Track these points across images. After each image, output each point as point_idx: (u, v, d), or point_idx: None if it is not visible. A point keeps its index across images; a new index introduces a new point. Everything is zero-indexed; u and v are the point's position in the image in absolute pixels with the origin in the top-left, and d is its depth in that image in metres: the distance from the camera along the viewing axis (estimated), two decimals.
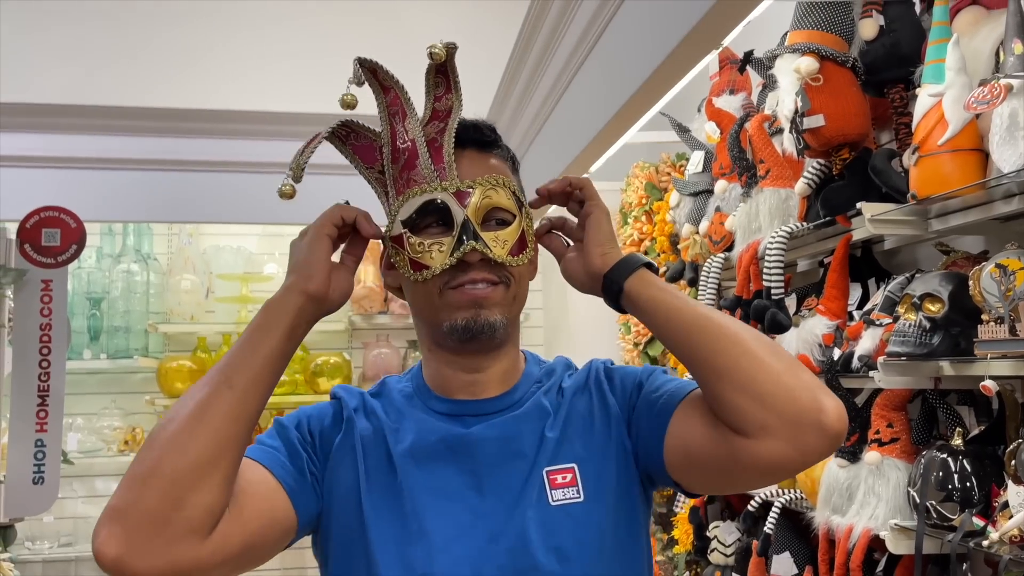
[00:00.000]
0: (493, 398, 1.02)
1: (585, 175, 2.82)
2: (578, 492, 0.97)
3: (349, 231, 0.99)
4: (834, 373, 1.76)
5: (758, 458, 0.88)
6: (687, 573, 2.55)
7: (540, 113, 2.95)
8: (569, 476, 0.97)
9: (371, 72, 0.97)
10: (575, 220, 1.05)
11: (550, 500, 0.96)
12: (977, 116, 1.43)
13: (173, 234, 4.33)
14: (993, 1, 1.47)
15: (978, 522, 1.41)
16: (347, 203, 1.00)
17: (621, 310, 0.99)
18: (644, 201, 3.22)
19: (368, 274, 4.11)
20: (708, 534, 2.44)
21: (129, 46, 3.78)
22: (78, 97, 3.65)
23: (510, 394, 1.02)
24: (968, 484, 1.45)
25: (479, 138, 1.01)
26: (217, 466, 0.87)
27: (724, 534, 2.36)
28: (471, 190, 0.97)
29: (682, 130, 2.65)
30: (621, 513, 0.99)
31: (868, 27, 1.76)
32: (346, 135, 1.01)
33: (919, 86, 1.56)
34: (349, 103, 0.98)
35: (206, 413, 0.87)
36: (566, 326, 3.61)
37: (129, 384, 4.15)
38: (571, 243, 1.05)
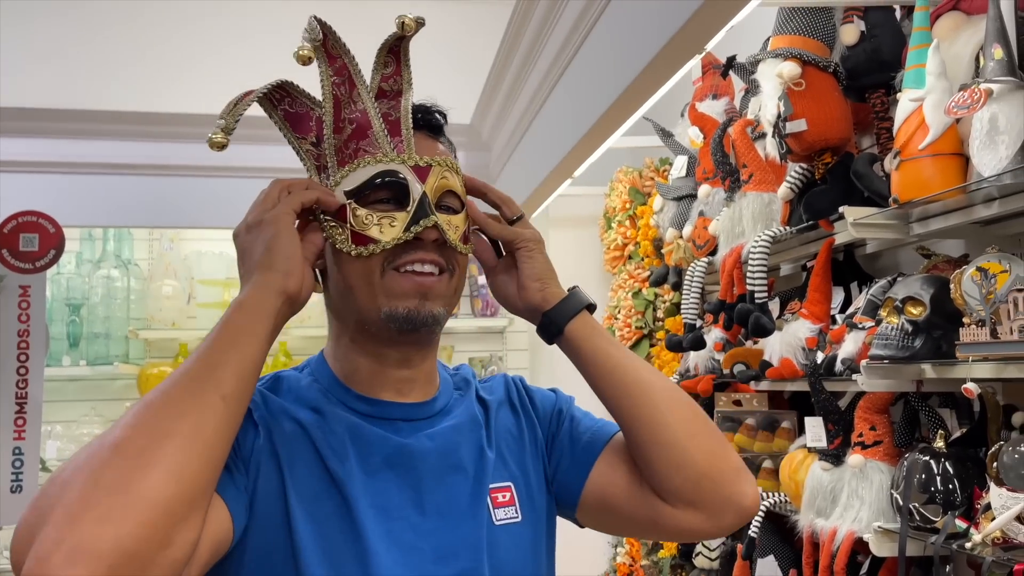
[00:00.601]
0: (421, 403, 0.94)
1: (568, 180, 2.83)
2: (516, 512, 0.94)
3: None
4: (817, 376, 1.77)
5: (677, 526, 0.92)
6: None
7: (524, 118, 2.95)
8: (508, 495, 0.94)
9: (322, 36, 0.90)
10: (504, 222, 0.99)
11: (494, 519, 0.92)
12: (957, 120, 1.44)
13: (154, 239, 4.29)
14: (973, 6, 1.48)
15: (961, 524, 1.42)
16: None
17: (551, 343, 0.97)
18: (628, 206, 3.23)
19: None
20: None
21: (108, 50, 3.75)
22: (57, 101, 3.62)
23: (436, 400, 0.96)
24: (950, 486, 1.46)
25: (431, 121, 0.96)
26: (207, 496, 0.74)
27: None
28: (429, 168, 0.91)
29: (665, 135, 2.66)
30: (547, 535, 0.98)
31: (849, 32, 1.77)
32: (280, 99, 0.93)
33: (900, 91, 1.57)
34: (305, 58, 0.90)
35: (203, 429, 0.73)
36: None
37: (109, 391, 4.11)
38: (500, 254, 1.00)
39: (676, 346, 2.40)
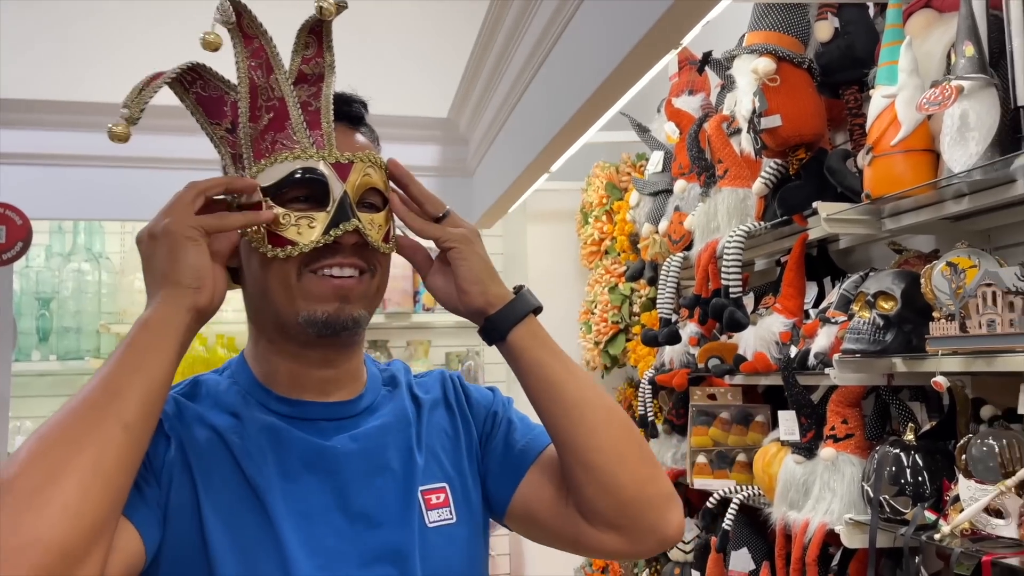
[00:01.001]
0: (346, 402, 0.91)
1: (546, 175, 2.82)
2: (451, 513, 0.91)
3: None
4: (790, 370, 1.78)
5: (598, 547, 0.91)
6: (647, 571, 2.57)
7: (501, 111, 2.95)
8: (442, 496, 0.92)
9: (235, 15, 0.85)
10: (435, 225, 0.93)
11: (427, 522, 0.89)
12: (929, 117, 1.46)
13: (126, 232, 4.23)
14: (945, 4, 1.50)
15: (930, 516, 1.44)
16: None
17: (492, 345, 0.93)
18: (605, 201, 3.23)
19: None
20: None
21: (78, 41, 3.69)
22: (24, 92, 3.55)
23: (362, 397, 0.93)
24: (920, 478, 1.47)
25: (350, 112, 0.91)
26: (109, 529, 0.70)
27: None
28: (350, 164, 0.86)
29: (642, 130, 2.67)
30: (483, 535, 0.97)
31: (823, 29, 1.78)
32: (192, 81, 0.87)
33: (873, 87, 1.58)
34: (213, 44, 0.84)
35: (103, 463, 0.69)
36: None
37: (80, 386, 4.05)
38: (433, 255, 0.95)
39: (652, 340, 2.41)
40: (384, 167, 0.91)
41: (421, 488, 0.90)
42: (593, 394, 0.91)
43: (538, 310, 0.93)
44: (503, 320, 0.90)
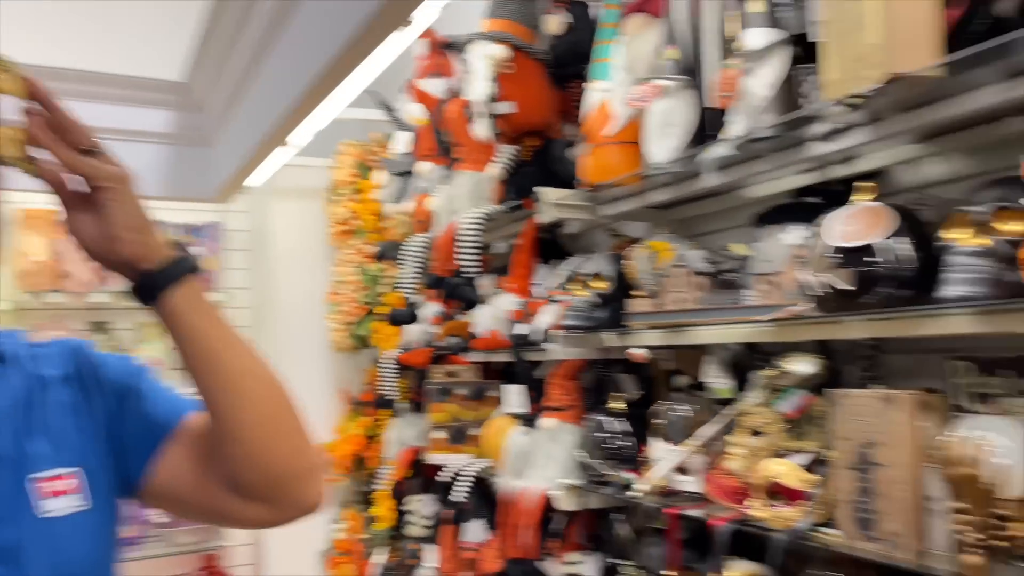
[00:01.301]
0: None
1: (286, 148, 2.71)
2: (83, 499, 0.84)
3: None
4: (519, 346, 1.87)
5: (242, 519, 0.90)
6: (387, 548, 2.59)
7: (240, 80, 2.79)
8: (72, 482, 0.84)
9: None
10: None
11: (46, 511, 0.81)
12: (637, 112, 1.58)
13: None
14: (657, 9, 1.63)
15: (630, 476, 1.58)
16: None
17: (146, 305, 0.85)
18: (353, 179, 3.19)
19: (38, 247, 3.63)
20: (404, 508, 2.49)
21: None
22: None
23: None
24: (623, 443, 1.61)
25: None
26: None
27: (423, 507, 2.42)
28: None
29: (388, 110, 2.66)
30: (118, 517, 0.91)
31: (553, 23, 1.88)
32: None
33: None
34: None
35: None
36: (273, 306, 3.48)
37: None
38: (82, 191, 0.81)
39: (395, 320, 2.42)
40: (22, 79, 0.76)
41: (37, 475, 0.81)
42: (252, 365, 0.87)
43: (196, 270, 0.85)
44: (163, 277, 0.82)
